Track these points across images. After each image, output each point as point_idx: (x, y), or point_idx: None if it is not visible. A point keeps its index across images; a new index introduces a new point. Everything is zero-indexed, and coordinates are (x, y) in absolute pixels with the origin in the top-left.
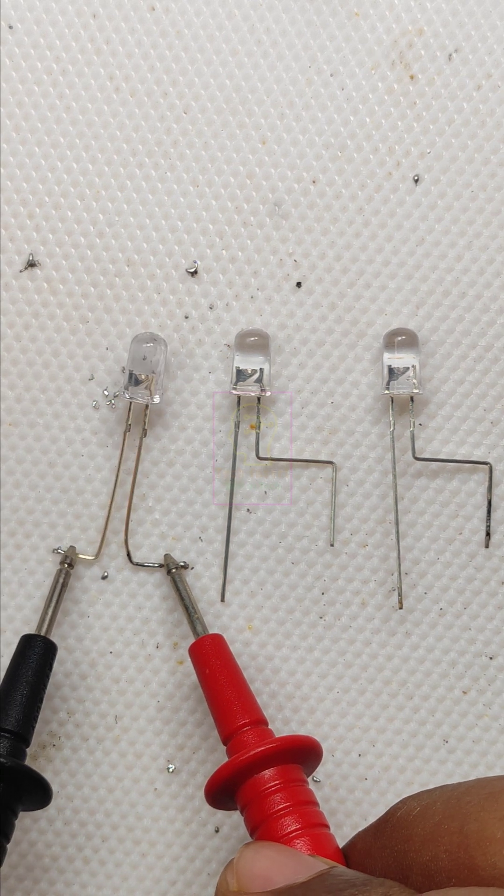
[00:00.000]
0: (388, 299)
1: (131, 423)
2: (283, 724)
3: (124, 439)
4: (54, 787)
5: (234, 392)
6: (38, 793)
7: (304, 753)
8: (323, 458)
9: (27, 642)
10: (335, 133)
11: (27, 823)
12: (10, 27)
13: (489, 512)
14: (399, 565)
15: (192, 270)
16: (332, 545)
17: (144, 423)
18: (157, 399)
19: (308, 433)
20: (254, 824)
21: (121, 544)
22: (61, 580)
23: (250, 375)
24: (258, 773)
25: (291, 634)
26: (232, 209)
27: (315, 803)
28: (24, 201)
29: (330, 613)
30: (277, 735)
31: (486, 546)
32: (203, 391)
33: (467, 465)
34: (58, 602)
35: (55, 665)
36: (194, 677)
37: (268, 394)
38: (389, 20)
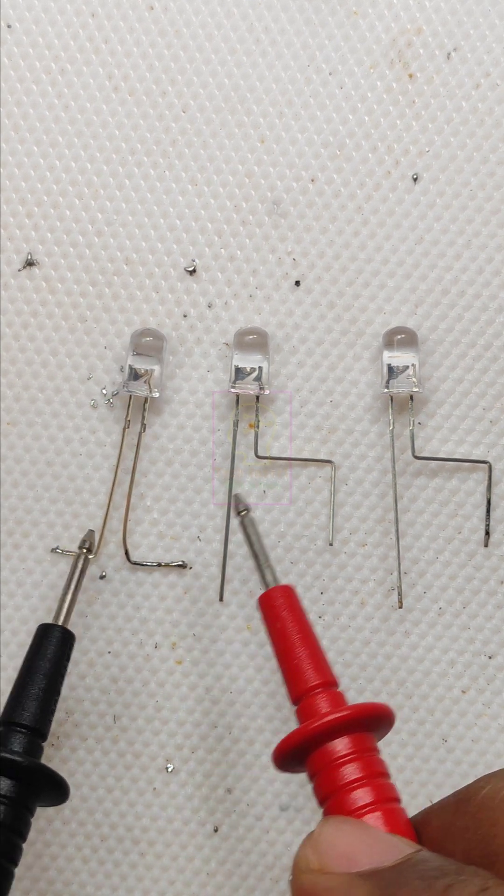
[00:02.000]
0: (387, 298)
1: (130, 419)
2: (283, 723)
3: (123, 436)
4: None
5: (232, 391)
6: (54, 790)
7: (377, 721)
8: (322, 457)
9: (44, 632)
10: (334, 132)
11: None
12: (9, 26)
13: (488, 511)
14: (398, 564)
15: (191, 269)
16: (330, 544)
17: (143, 418)
18: (156, 393)
19: (307, 432)
20: (324, 794)
21: (119, 543)
22: (80, 566)
23: (249, 374)
24: (330, 740)
25: None
26: (230, 208)
27: (387, 775)
28: (22, 200)
29: (329, 613)
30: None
31: (486, 545)
32: (201, 390)
33: (466, 463)
34: (76, 589)
35: None
36: (193, 677)
37: (267, 392)
38: (388, 19)
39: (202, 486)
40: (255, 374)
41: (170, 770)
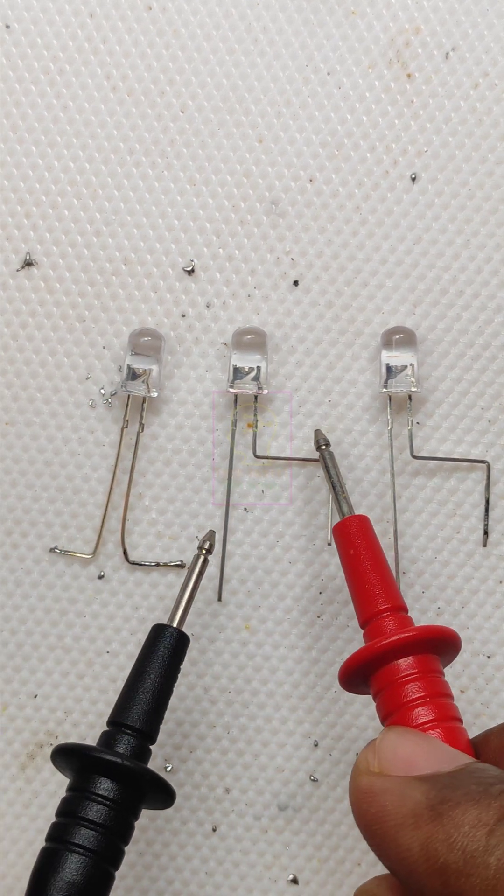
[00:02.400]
0: (386, 298)
1: (128, 419)
2: (280, 723)
3: (121, 436)
4: (52, 787)
5: (231, 390)
6: (159, 794)
7: (442, 645)
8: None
9: (157, 633)
10: (332, 131)
11: (24, 822)
12: (8, 27)
13: (487, 511)
14: (397, 564)
15: (189, 269)
16: (329, 544)
17: (142, 417)
18: (154, 393)
19: (306, 432)
20: (387, 711)
21: (117, 543)
22: (198, 567)
23: (247, 374)
24: (395, 660)
25: (289, 634)
26: (229, 207)
27: (450, 696)
28: (21, 200)
29: (328, 612)
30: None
31: (484, 545)
32: (200, 390)
33: (465, 463)
34: (193, 591)
35: (51, 664)
36: (191, 677)
37: (265, 392)
38: (386, 19)
39: (200, 486)
40: (253, 374)
41: (168, 770)
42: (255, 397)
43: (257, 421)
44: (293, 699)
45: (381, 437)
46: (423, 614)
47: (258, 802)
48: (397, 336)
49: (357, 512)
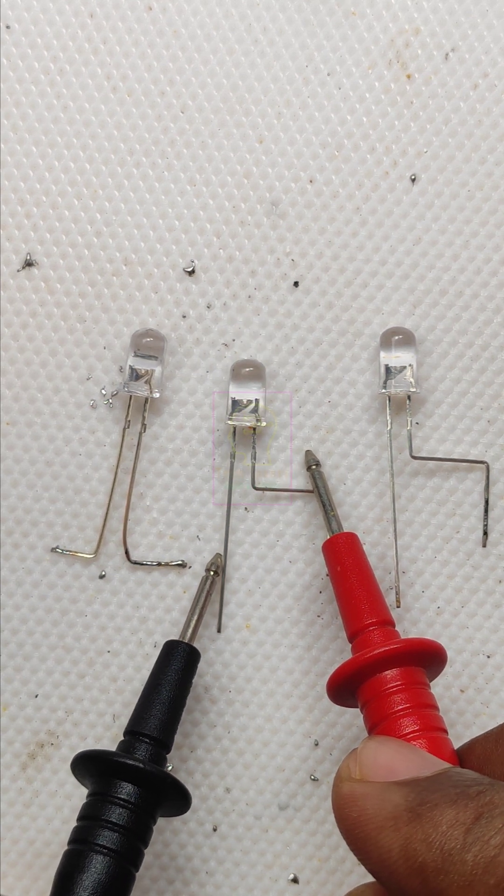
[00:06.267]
0: (385, 298)
1: (130, 419)
2: (281, 722)
3: (123, 436)
4: (52, 787)
5: (229, 423)
6: (177, 799)
7: (428, 657)
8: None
9: (170, 649)
10: (332, 132)
11: (24, 822)
12: (8, 27)
13: (486, 511)
14: (396, 564)
15: (190, 270)
16: None
17: (143, 418)
18: (156, 394)
19: (305, 432)
20: (373, 722)
21: (119, 543)
22: (207, 587)
23: (245, 406)
24: (381, 672)
25: (289, 633)
26: (229, 208)
27: (435, 707)
28: (21, 201)
29: (327, 612)
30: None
31: (484, 545)
32: (200, 390)
33: (464, 463)
34: (203, 608)
35: (51, 664)
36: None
37: (264, 424)
38: (386, 19)
39: (201, 486)
40: (251, 406)
41: (169, 769)
42: (254, 429)
43: (255, 453)
44: (293, 699)
45: (380, 437)
46: (422, 613)
47: (258, 802)
48: (397, 337)
49: (356, 512)
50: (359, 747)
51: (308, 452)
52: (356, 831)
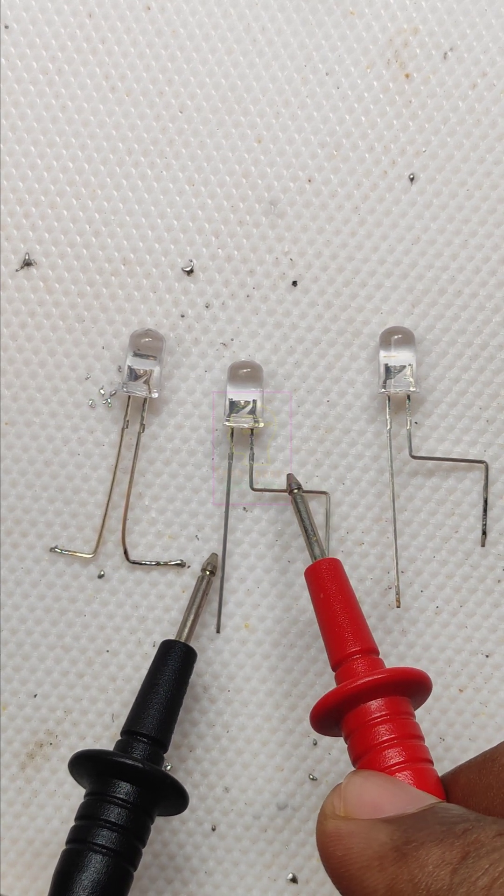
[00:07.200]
0: (384, 298)
1: (128, 419)
2: (279, 721)
3: (122, 436)
4: (52, 787)
5: (227, 424)
6: (174, 797)
7: (413, 686)
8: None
9: (167, 648)
10: (331, 132)
11: (24, 822)
12: (6, 27)
13: (485, 510)
14: (396, 563)
15: (188, 269)
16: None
17: (142, 418)
18: (155, 394)
19: (304, 431)
20: (357, 753)
21: (117, 543)
22: (203, 587)
23: (243, 407)
24: (365, 702)
25: (288, 632)
26: (227, 208)
27: (420, 737)
28: (20, 200)
29: None
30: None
31: (483, 545)
32: (199, 390)
33: (463, 463)
34: (199, 609)
35: (50, 664)
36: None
37: (261, 425)
38: (385, 19)
39: (200, 486)
40: (249, 408)
41: (167, 769)
42: (252, 430)
43: (253, 454)
44: (292, 698)
45: (379, 436)
46: (421, 613)
47: (257, 801)
48: (396, 336)
49: (355, 512)
50: (343, 783)
51: (290, 476)
52: (341, 870)
